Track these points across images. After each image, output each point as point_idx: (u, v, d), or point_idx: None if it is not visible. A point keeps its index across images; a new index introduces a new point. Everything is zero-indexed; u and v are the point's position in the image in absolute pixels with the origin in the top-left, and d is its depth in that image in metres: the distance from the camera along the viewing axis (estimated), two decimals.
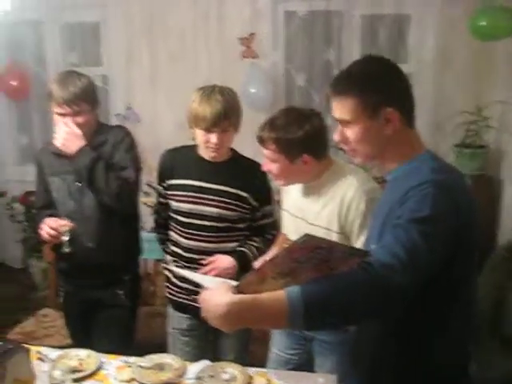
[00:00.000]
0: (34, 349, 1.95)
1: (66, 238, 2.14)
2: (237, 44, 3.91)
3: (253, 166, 2.22)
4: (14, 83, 4.02)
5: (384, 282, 1.18)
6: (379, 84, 1.38)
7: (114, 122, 4.22)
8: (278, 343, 2.21)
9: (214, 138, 2.08)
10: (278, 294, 1.20)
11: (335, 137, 1.47)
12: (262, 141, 1.93)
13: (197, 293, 2.09)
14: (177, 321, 2.32)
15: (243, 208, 2.18)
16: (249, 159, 2.26)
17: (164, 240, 2.36)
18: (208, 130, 2.07)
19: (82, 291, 2.36)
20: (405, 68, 3.91)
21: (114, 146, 2.25)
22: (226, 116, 2.05)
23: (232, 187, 2.16)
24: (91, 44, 4.27)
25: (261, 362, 2.13)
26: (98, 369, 1.90)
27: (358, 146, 1.42)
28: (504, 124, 3.52)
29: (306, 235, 1.17)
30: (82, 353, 1.98)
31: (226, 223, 2.15)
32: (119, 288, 2.32)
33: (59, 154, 2.24)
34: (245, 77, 3.81)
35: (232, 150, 2.24)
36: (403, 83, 1.42)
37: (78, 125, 2.15)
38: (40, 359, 1.93)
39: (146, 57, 4.07)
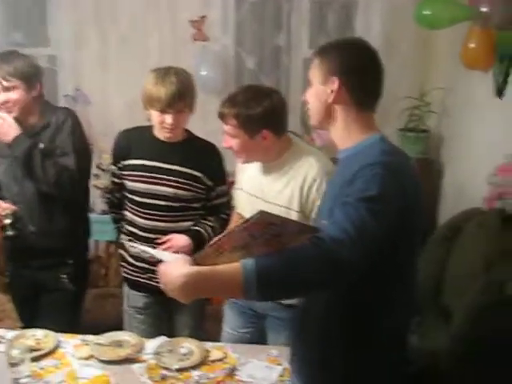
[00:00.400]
0: None
1: (8, 221, 2.19)
2: (188, 27, 3.91)
3: (207, 147, 2.28)
4: None
5: (334, 256, 1.26)
6: (339, 55, 1.49)
7: (62, 103, 4.15)
8: (231, 322, 2.27)
9: (169, 118, 2.12)
10: (233, 266, 1.27)
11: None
12: (222, 116, 1.97)
13: (152, 271, 2.16)
14: (132, 299, 2.36)
15: (198, 188, 2.23)
16: (203, 140, 2.32)
17: (118, 219, 2.39)
18: (163, 111, 2.12)
19: (26, 274, 2.38)
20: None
21: (56, 129, 2.26)
22: (181, 97, 2.10)
23: (186, 167, 2.21)
24: (37, 23, 4.16)
25: (215, 340, 2.19)
26: (56, 347, 1.94)
27: (310, 104, 1.55)
28: (445, 109, 3.68)
29: (260, 212, 1.23)
30: (39, 332, 2.01)
31: (181, 203, 2.19)
32: (62, 272, 2.35)
33: None
34: (196, 59, 3.82)
35: (187, 130, 2.28)
36: (366, 67, 1.52)
37: (11, 101, 2.20)
38: None
39: (95, 38, 3.98)
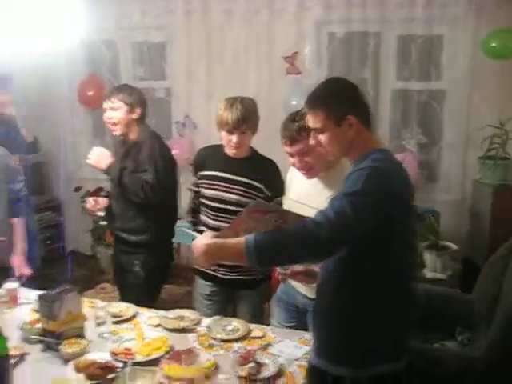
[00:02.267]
0: (87, 299, 2.50)
1: (100, 213, 2.98)
2: (282, 62, 4.38)
3: (268, 162, 2.73)
4: (90, 93, 4.69)
5: (313, 234, 1.61)
6: (340, 97, 1.79)
7: (174, 128, 4.82)
8: (277, 316, 2.59)
9: (234, 138, 2.58)
10: (240, 239, 1.68)
11: (310, 141, 1.87)
12: (306, 118, 1.89)
13: (219, 264, 2.60)
14: (201, 287, 2.81)
15: (258, 197, 2.62)
16: (265, 157, 2.75)
17: (195, 223, 2.85)
18: (230, 132, 2.58)
19: (115, 257, 3.12)
20: (438, 85, 4.22)
21: (139, 148, 2.86)
22: (244, 121, 2.55)
23: (249, 178, 2.64)
24: (157, 60, 4.89)
25: None
26: (134, 316, 2.42)
27: (329, 147, 1.82)
28: None
29: (256, 200, 1.63)
30: (123, 304, 2.51)
31: (243, 208, 2.61)
32: (136, 258, 2.91)
33: None
34: (288, 91, 4.26)
35: (251, 148, 2.72)
36: (358, 94, 1.83)
37: (114, 118, 2.84)
38: (92, 307, 2.47)
39: (203, 72, 4.61)
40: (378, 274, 1.74)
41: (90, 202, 2.94)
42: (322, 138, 1.80)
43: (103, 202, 2.96)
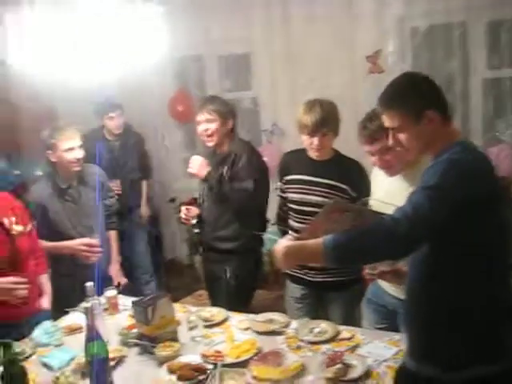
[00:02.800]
0: (180, 305, 2.61)
1: (194, 221, 2.99)
2: (365, 62, 4.32)
3: (352, 163, 2.70)
4: (181, 108, 4.88)
5: (391, 231, 1.58)
6: (415, 93, 1.74)
7: (262, 136, 4.91)
8: (368, 318, 2.56)
9: (315, 140, 2.59)
10: (318, 240, 1.69)
11: (389, 142, 1.82)
12: (381, 121, 1.86)
13: (308, 268, 2.63)
14: (291, 291, 2.85)
15: (344, 198, 2.60)
16: (349, 158, 2.72)
17: (284, 232, 2.86)
18: (311, 135, 2.59)
19: (205, 265, 3.21)
20: None
21: (235, 158, 2.92)
22: (324, 123, 2.55)
23: (334, 180, 2.64)
24: (242, 72, 5.00)
25: None
26: (225, 320, 2.49)
27: (410, 146, 1.77)
28: None
29: (334, 201, 1.62)
30: (215, 309, 2.59)
31: None
32: (227, 265, 2.97)
33: None
34: (372, 90, 4.19)
35: (334, 150, 2.71)
36: (433, 87, 1.78)
37: (210, 130, 2.91)
38: (184, 312, 2.57)
39: (287, 80, 4.65)
40: (466, 269, 1.68)
41: (183, 210, 3.05)
42: (402, 136, 1.76)
43: (195, 210, 3.05)
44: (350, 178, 2.65)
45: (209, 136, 2.93)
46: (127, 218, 4.20)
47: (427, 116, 1.70)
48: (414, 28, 4.27)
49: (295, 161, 2.80)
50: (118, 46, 2.11)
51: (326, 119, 2.57)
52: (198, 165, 2.93)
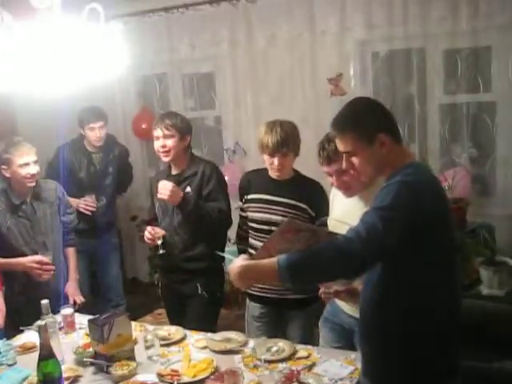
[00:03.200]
0: (138, 323, 2.58)
1: (159, 242, 2.84)
2: (327, 84, 4.41)
3: (311, 183, 2.75)
4: (144, 126, 4.87)
5: (344, 250, 1.62)
6: (367, 118, 1.79)
7: (224, 155, 4.93)
8: (325, 337, 2.58)
9: (276, 161, 2.63)
10: (272, 259, 1.71)
11: (343, 165, 1.87)
12: (335, 145, 1.96)
13: (267, 287, 2.64)
14: (251, 309, 2.86)
15: (303, 217, 2.66)
16: (309, 178, 2.77)
17: (243, 251, 2.88)
18: (271, 155, 2.63)
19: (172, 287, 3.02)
20: (488, 97, 4.10)
21: (202, 178, 2.88)
22: (284, 144, 2.60)
23: (294, 200, 2.68)
24: (206, 90, 5.04)
25: None
26: (182, 339, 2.48)
27: (364, 169, 1.81)
28: None
29: (287, 219, 1.65)
30: (172, 328, 2.57)
31: None
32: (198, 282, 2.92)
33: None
34: (333, 112, 4.27)
35: (295, 170, 2.75)
36: (384, 111, 1.84)
37: (168, 147, 2.85)
38: (141, 330, 2.55)
39: (250, 99, 4.70)
40: (416, 288, 1.73)
41: (149, 230, 2.93)
42: (355, 160, 1.80)
43: (161, 231, 2.93)
44: (309, 197, 2.69)
45: (166, 152, 2.87)
46: (102, 236, 4.06)
47: (379, 139, 1.75)
48: (374, 52, 4.38)
49: (256, 180, 2.84)
50: (80, 62, 2.11)
51: (286, 140, 2.61)
52: (170, 190, 2.78)
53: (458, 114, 4.14)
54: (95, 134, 3.90)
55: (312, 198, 2.69)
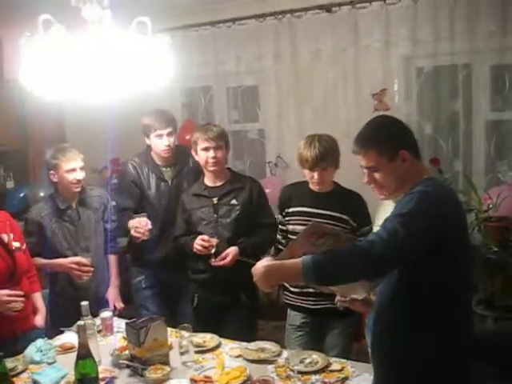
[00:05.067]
0: (174, 330, 2.62)
1: (213, 250, 2.85)
2: (370, 99, 4.40)
3: (352, 195, 2.80)
4: (188, 137, 4.95)
5: (365, 251, 1.66)
6: (389, 135, 1.85)
7: (266, 168, 4.97)
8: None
9: (316, 175, 2.68)
10: (297, 260, 1.75)
11: (365, 180, 1.91)
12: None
13: (307, 294, 2.65)
14: (292, 318, 2.89)
15: (345, 228, 2.69)
16: (349, 190, 2.82)
17: None
18: (311, 169, 2.66)
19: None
20: None
21: (250, 192, 2.98)
22: (323, 158, 2.63)
23: (335, 211, 2.71)
24: (250, 103, 5.10)
25: None
26: (217, 347, 2.50)
27: (385, 183, 1.86)
28: None
29: (312, 222, 1.69)
30: (208, 335, 2.60)
31: None
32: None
33: (199, 195, 3.01)
34: None
35: (335, 182, 2.80)
36: (405, 129, 1.89)
37: (217, 158, 2.92)
38: (177, 336, 2.59)
39: (293, 113, 4.73)
40: (432, 299, 1.74)
41: (204, 238, 2.88)
42: (377, 175, 1.86)
43: (214, 239, 2.90)
44: (350, 208, 2.73)
45: (215, 163, 2.94)
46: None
47: (401, 156, 1.81)
48: (419, 68, 4.35)
49: (296, 193, 2.87)
50: (127, 72, 2.19)
51: (325, 154, 2.65)
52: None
53: (505, 131, 4.07)
54: (163, 142, 3.17)
55: (353, 208, 2.73)
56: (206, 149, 2.92)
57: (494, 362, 2.66)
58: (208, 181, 3.03)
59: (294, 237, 2.77)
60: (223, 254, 2.85)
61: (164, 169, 3.26)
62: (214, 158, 2.92)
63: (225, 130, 3.08)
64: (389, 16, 4.18)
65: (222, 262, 2.83)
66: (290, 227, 2.83)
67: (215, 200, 2.96)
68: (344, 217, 2.70)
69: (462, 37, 3.97)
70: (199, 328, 2.74)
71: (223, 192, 2.97)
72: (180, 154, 3.31)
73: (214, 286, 2.97)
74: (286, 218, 2.86)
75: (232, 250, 2.85)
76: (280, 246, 2.95)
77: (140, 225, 3.02)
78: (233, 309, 2.95)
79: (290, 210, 2.84)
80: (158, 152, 3.22)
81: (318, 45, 4.51)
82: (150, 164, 3.25)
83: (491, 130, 4.19)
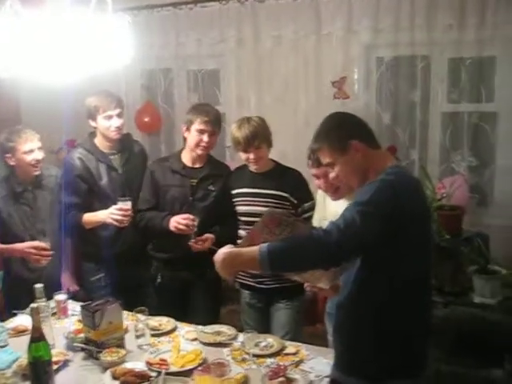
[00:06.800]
0: (130, 313, 2.61)
1: (195, 229, 2.85)
2: (331, 86, 4.43)
3: (291, 171, 2.89)
4: (147, 119, 4.91)
5: (321, 240, 1.69)
6: (338, 128, 1.91)
7: (226, 152, 4.96)
8: (329, 332, 2.64)
9: (251, 155, 2.77)
10: (254, 247, 1.78)
11: (330, 178, 1.97)
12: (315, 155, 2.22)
13: (255, 275, 2.68)
14: (243, 296, 3.00)
15: (286, 205, 2.80)
16: (287, 167, 2.91)
17: None
18: (245, 151, 2.75)
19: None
20: (490, 107, 4.12)
21: (222, 177, 3.02)
22: (254, 137, 2.72)
23: (274, 189, 2.80)
24: (211, 87, 5.06)
25: None
26: (173, 330, 2.51)
27: (346, 178, 1.90)
28: None
29: (270, 211, 1.72)
30: (164, 319, 2.60)
31: None
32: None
33: (177, 172, 2.98)
34: None
35: (274, 161, 2.90)
36: (355, 121, 1.93)
37: (212, 142, 2.94)
38: (134, 320, 2.57)
39: (254, 98, 4.73)
40: (390, 284, 1.78)
41: (187, 217, 2.86)
42: (337, 170, 1.90)
43: (193, 217, 2.89)
44: (289, 185, 2.82)
45: (206, 148, 2.94)
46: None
47: (353, 146, 1.84)
48: (379, 57, 4.40)
49: (238, 176, 2.97)
50: (86, 52, 2.14)
51: (255, 133, 2.74)
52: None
53: (460, 122, 4.16)
54: (114, 123, 3.01)
55: (292, 185, 2.82)
56: (202, 131, 2.90)
57: (444, 346, 2.76)
58: (187, 160, 3.01)
59: (241, 217, 2.87)
60: (204, 237, 2.85)
61: (112, 156, 3.10)
62: (207, 142, 2.92)
63: (220, 113, 3.10)
64: (351, 5, 4.21)
65: (200, 246, 2.83)
66: (237, 208, 2.92)
67: (194, 182, 2.95)
68: (284, 194, 2.79)
69: (422, 28, 4.03)
70: (163, 306, 2.76)
71: (202, 175, 2.97)
72: (125, 141, 3.19)
73: (179, 264, 2.96)
74: (233, 200, 2.93)
75: (211, 236, 2.87)
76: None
77: (125, 207, 2.89)
78: (198, 283, 2.98)
79: (234, 191, 2.93)
80: (107, 134, 3.04)
81: (280, 31, 4.50)
82: (97, 153, 3.06)
83: (447, 120, 4.29)
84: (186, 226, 2.82)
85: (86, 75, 2.15)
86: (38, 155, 2.90)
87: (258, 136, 2.75)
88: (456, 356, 2.91)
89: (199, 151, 2.93)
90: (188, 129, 2.94)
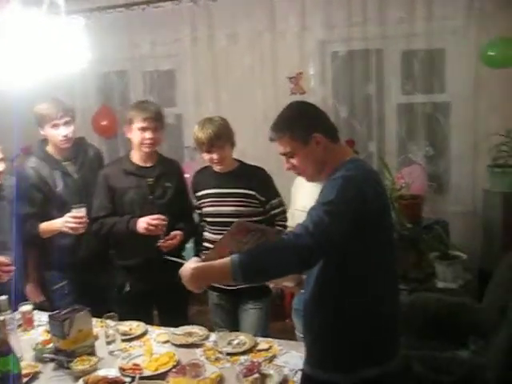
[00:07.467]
0: (99, 319, 2.56)
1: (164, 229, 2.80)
2: (287, 82, 4.47)
3: (256, 169, 2.88)
4: (104, 123, 4.84)
5: (293, 245, 1.65)
6: (301, 119, 1.86)
7: (185, 153, 4.93)
8: (298, 327, 2.67)
9: (215, 155, 2.74)
10: (225, 260, 1.73)
11: (285, 167, 1.92)
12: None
13: None
14: (211, 298, 2.96)
15: (253, 204, 2.78)
16: (252, 165, 2.89)
17: (199, 242, 2.99)
18: (208, 151, 2.72)
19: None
20: (442, 97, 4.21)
21: (182, 178, 3.06)
22: (217, 137, 2.69)
23: (240, 188, 2.78)
24: (167, 88, 5.02)
25: None
26: (144, 334, 2.48)
27: (304, 168, 1.89)
28: None
29: (237, 221, 1.70)
30: (134, 323, 2.57)
31: (242, 218, 2.67)
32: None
33: (131, 173, 2.91)
34: None
35: (238, 160, 2.88)
36: (318, 113, 1.91)
37: (155, 139, 2.87)
38: (102, 326, 2.53)
39: (211, 97, 4.72)
40: (356, 277, 1.79)
41: (156, 217, 2.81)
42: (295, 160, 1.87)
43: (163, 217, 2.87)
44: (255, 183, 2.80)
45: (152, 144, 2.87)
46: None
47: (314, 139, 1.82)
48: (334, 52, 4.47)
49: (203, 177, 2.94)
50: (38, 55, 2.08)
51: (218, 133, 2.71)
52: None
53: (415, 113, 4.27)
54: (60, 132, 2.93)
55: (258, 183, 2.81)
56: (143, 129, 2.83)
57: (411, 331, 2.81)
58: (138, 160, 2.94)
59: (207, 218, 2.84)
60: (172, 235, 2.83)
61: (66, 163, 3.01)
62: (151, 139, 2.85)
63: (161, 108, 3.02)
64: (304, 1, 4.26)
65: (169, 245, 2.81)
66: (203, 210, 2.89)
67: (151, 180, 2.90)
68: (251, 192, 2.78)
69: (374, 22, 4.12)
70: (130, 312, 2.69)
71: (157, 173, 2.92)
72: (79, 146, 3.09)
73: (143, 269, 2.88)
74: (198, 202, 2.92)
75: (179, 233, 2.85)
76: (201, 229, 2.96)
77: (79, 214, 2.80)
78: (164, 286, 2.85)
79: (199, 193, 2.90)
80: (55, 143, 2.96)
81: (235, 29, 4.52)
82: (50, 160, 2.97)
83: (402, 112, 4.40)
84: (156, 226, 2.80)
85: (40, 79, 2.10)
86: (0, 167, 2.80)
87: (222, 136, 2.72)
88: (423, 340, 2.97)
89: (145, 149, 2.88)
90: (130, 129, 2.89)
